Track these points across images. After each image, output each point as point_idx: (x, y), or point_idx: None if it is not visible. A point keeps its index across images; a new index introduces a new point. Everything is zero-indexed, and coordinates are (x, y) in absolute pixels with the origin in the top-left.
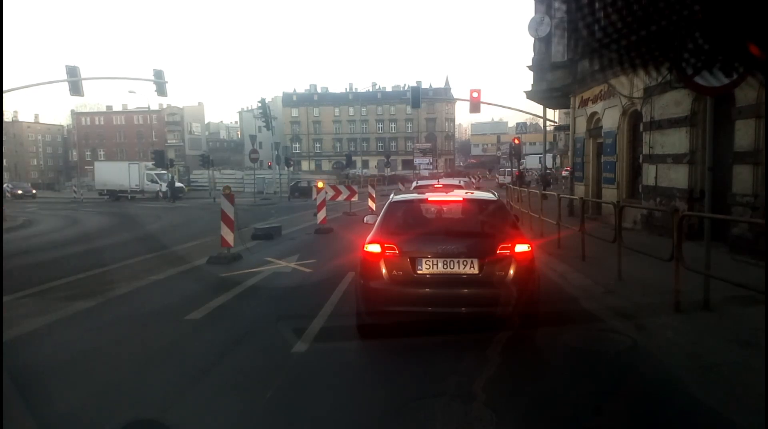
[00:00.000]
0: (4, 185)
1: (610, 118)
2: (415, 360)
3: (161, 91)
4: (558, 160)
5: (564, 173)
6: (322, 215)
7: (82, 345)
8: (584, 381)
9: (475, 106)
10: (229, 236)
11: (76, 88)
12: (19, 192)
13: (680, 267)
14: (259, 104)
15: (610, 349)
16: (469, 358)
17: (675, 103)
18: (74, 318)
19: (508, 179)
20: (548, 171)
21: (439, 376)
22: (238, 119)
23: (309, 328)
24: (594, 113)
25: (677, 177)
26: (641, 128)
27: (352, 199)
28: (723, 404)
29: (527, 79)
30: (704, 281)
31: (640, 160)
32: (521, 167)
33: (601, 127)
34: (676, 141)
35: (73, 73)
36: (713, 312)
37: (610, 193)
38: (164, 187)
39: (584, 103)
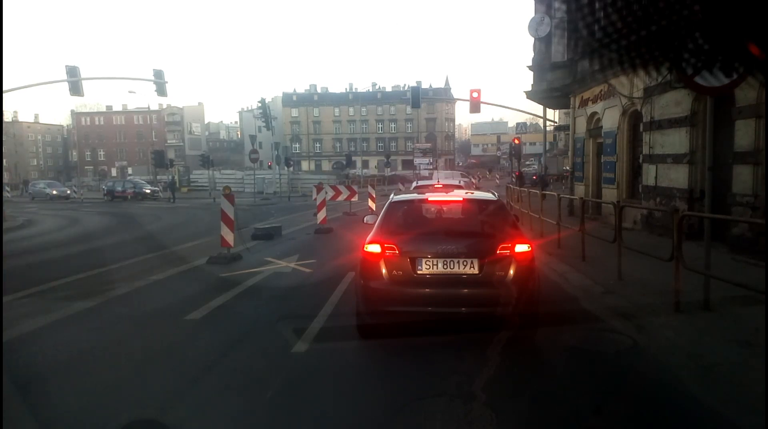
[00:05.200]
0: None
1: (610, 118)
2: (415, 360)
3: (161, 91)
4: (556, 163)
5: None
6: (322, 215)
7: (82, 345)
8: (584, 381)
9: (475, 106)
10: (229, 236)
11: (76, 88)
12: (55, 192)
13: (680, 267)
14: (259, 104)
15: (610, 349)
16: (469, 358)
17: (675, 103)
18: (74, 318)
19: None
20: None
21: (439, 376)
22: (238, 119)
23: (309, 328)
24: (594, 113)
25: (677, 177)
26: (641, 128)
27: (352, 199)
28: (723, 404)
29: (527, 79)
30: (704, 281)
31: (640, 160)
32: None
33: (601, 127)
34: (676, 141)
35: (73, 73)
36: (713, 312)
37: (610, 193)
38: None
39: (584, 103)
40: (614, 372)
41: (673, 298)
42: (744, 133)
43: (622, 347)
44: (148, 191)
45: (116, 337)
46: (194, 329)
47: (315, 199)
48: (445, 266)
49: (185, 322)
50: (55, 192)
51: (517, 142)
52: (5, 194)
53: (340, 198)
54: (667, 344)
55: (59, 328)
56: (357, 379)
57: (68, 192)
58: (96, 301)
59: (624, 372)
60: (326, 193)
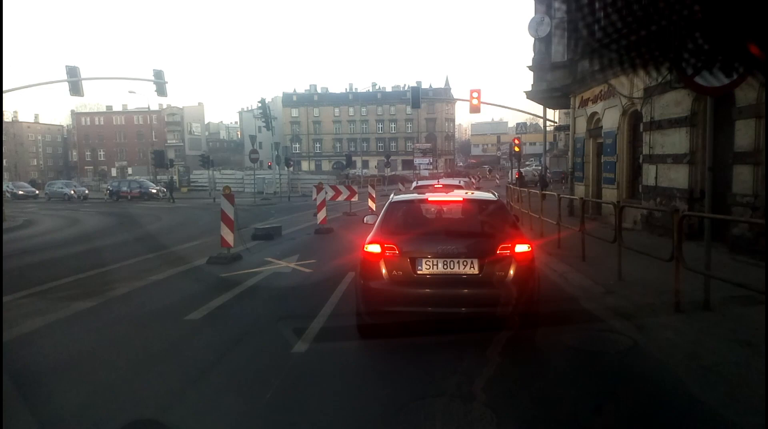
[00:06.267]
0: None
1: (610, 118)
2: (414, 360)
3: (161, 91)
4: (566, 162)
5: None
6: (322, 215)
7: (82, 345)
8: (584, 381)
9: (474, 108)
10: (229, 236)
11: (76, 89)
12: (72, 192)
13: (681, 267)
14: (259, 104)
15: (611, 349)
16: (470, 359)
17: (675, 103)
18: (74, 318)
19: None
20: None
21: (440, 377)
22: (238, 119)
23: (309, 328)
24: (594, 113)
25: (677, 177)
26: (641, 128)
27: (352, 200)
28: (723, 404)
29: (527, 79)
30: (704, 281)
31: (640, 161)
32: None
33: (601, 127)
34: (677, 141)
35: (73, 73)
36: (713, 312)
37: (610, 193)
38: None
39: (584, 103)
40: (614, 372)
41: (674, 299)
42: (744, 133)
43: (623, 347)
44: (154, 191)
45: (115, 337)
46: (194, 329)
47: (315, 199)
48: (445, 266)
49: (185, 323)
50: (72, 192)
51: (516, 141)
52: (6, 194)
53: (340, 198)
54: (667, 344)
55: (58, 329)
56: (357, 380)
57: (86, 192)
58: (96, 302)
59: (624, 372)
60: (326, 193)
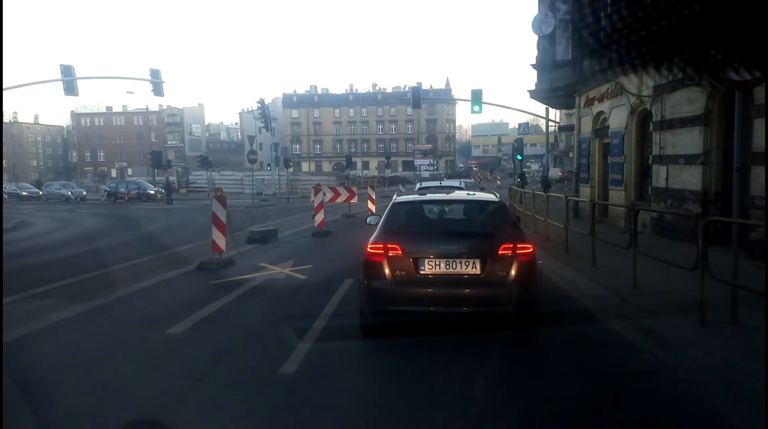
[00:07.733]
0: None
1: (618, 118)
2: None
3: (157, 90)
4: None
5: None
6: (320, 218)
7: (51, 362)
8: (607, 410)
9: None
10: (220, 241)
11: (70, 88)
12: (70, 193)
13: (706, 277)
14: (259, 105)
15: (635, 371)
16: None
17: (687, 101)
18: (49, 330)
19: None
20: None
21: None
22: (238, 120)
23: (298, 346)
24: (600, 113)
25: (690, 178)
26: (651, 128)
27: (352, 201)
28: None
29: (529, 80)
30: (731, 293)
31: (650, 161)
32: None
33: (608, 126)
34: (689, 141)
35: (67, 72)
36: (741, 326)
37: (617, 195)
38: None
39: (590, 102)
40: (641, 396)
41: (699, 311)
42: (762, 133)
43: (647, 368)
44: (152, 192)
45: (90, 353)
46: (176, 345)
47: (313, 200)
48: (447, 266)
49: (166, 337)
50: (70, 193)
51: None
52: (6, 196)
53: (339, 199)
54: (697, 365)
55: (31, 343)
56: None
57: (84, 193)
58: (75, 312)
59: (651, 396)
60: (324, 194)
